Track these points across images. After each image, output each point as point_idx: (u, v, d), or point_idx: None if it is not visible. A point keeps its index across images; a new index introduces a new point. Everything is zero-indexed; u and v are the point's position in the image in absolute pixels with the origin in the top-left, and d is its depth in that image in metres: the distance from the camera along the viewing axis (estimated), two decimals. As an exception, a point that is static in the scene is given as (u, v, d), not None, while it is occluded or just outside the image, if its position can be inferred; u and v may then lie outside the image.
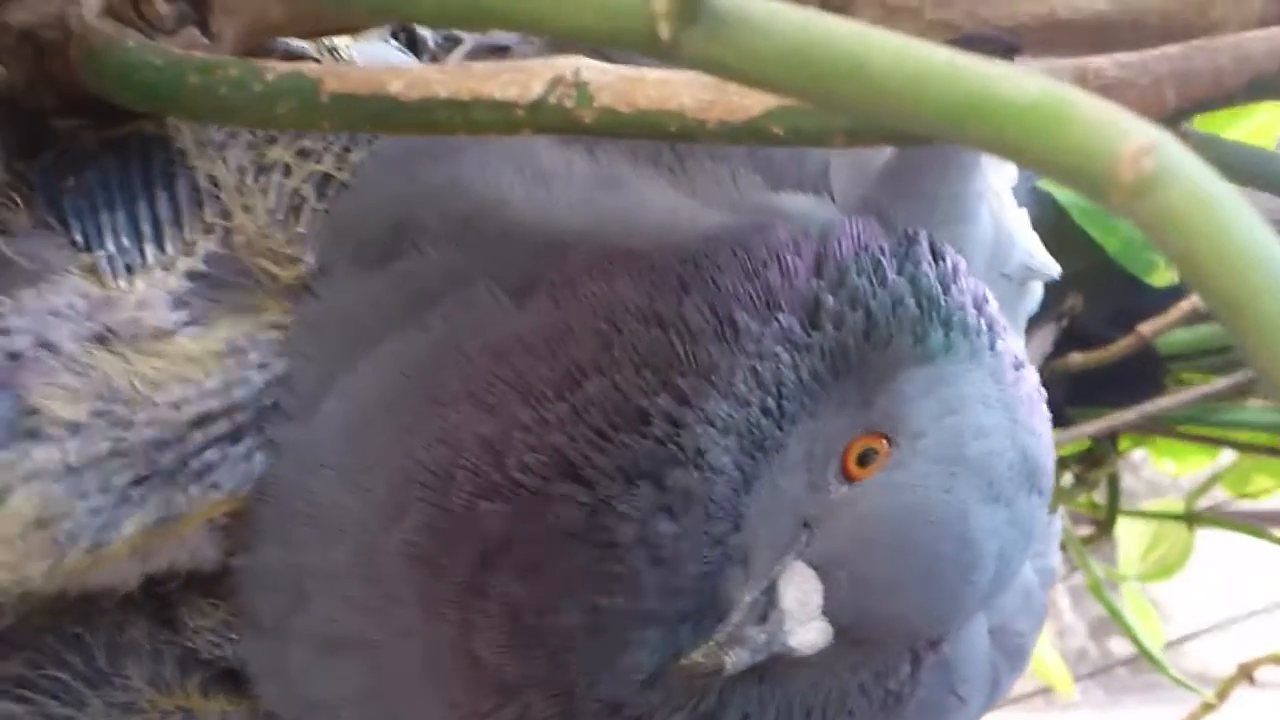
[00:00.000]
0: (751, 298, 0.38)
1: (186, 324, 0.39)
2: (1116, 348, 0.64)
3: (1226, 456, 0.74)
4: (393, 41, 0.47)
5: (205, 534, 0.40)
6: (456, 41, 0.47)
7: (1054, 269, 0.47)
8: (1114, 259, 0.63)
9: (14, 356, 0.38)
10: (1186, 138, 0.31)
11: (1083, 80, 0.31)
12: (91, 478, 0.38)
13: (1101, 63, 0.31)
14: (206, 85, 0.36)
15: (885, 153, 0.41)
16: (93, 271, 0.40)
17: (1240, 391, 0.65)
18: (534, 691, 0.37)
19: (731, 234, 0.39)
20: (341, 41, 0.44)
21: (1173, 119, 0.32)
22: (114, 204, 0.40)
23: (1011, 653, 0.44)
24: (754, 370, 0.37)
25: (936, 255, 0.39)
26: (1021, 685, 0.49)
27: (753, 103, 0.33)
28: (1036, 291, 0.47)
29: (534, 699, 0.37)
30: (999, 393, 0.39)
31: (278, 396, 0.40)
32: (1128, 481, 0.77)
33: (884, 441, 0.37)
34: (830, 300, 0.38)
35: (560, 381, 0.37)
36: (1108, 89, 0.31)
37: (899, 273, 0.39)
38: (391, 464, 0.38)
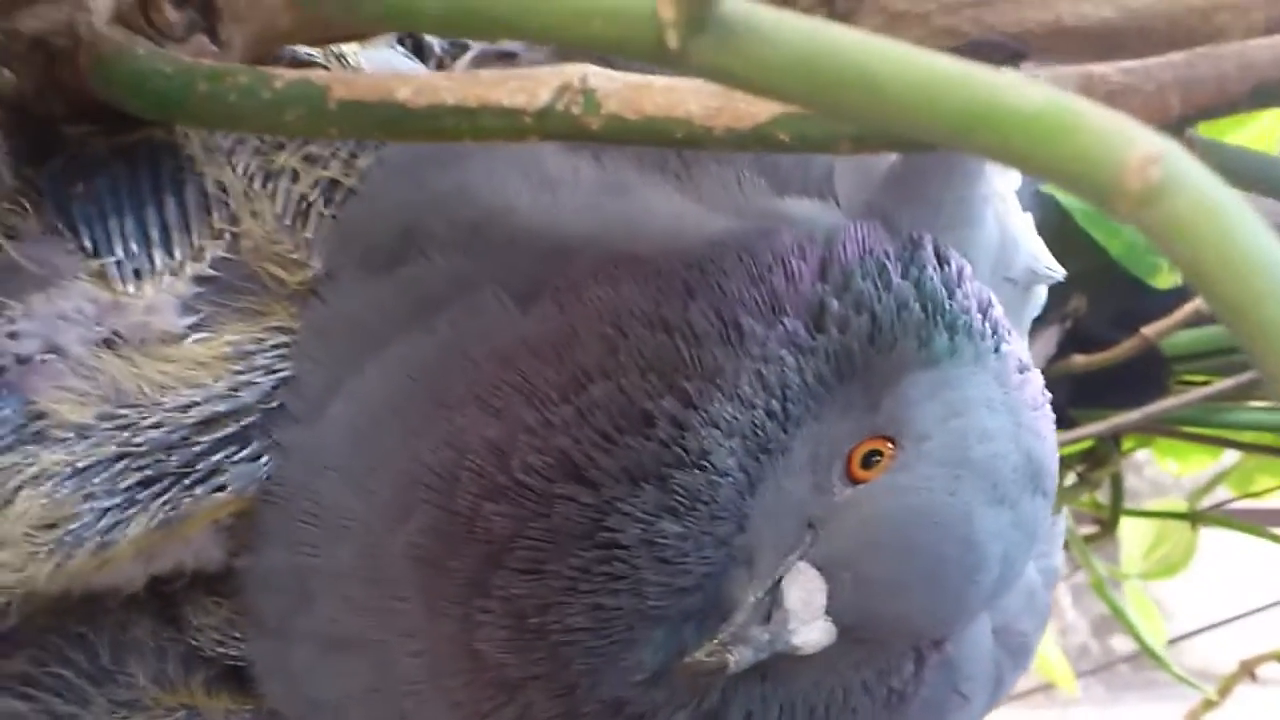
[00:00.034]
0: (757, 302, 0.38)
1: (194, 328, 0.40)
2: (1120, 350, 0.64)
3: (1229, 456, 0.75)
4: (399, 48, 0.47)
5: (210, 535, 0.40)
6: (463, 48, 0.47)
7: (1059, 272, 0.47)
8: (1117, 261, 0.63)
9: (23, 360, 0.39)
10: (1191, 144, 0.31)
11: (1088, 87, 0.32)
12: (99, 480, 0.38)
13: (1106, 70, 0.31)
14: (215, 92, 0.36)
15: (890, 157, 0.41)
16: (101, 277, 0.40)
17: (1243, 392, 0.65)
18: (536, 690, 0.37)
19: (737, 239, 0.39)
20: (349, 48, 0.44)
21: (1177, 126, 0.32)
22: (123, 210, 0.41)
23: (1015, 651, 0.44)
24: (759, 373, 0.37)
25: (941, 259, 0.40)
26: (1023, 682, 0.49)
27: (759, 109, 0.33)
28: (1041, 295, 0.47)
29: (536, 697, 0.37)
30: (1004, 396, 0.39)
31: (284, 400, 0.40)
32: (1130, 481, 0.77)
33: (889, 444, 0.38)
34: (835, 304, 0.38)
35: (565, 385, 0.37)
36: (1112, 96, 0.31)
37: (904, 277, 0.39)
38: (397, 466, 0.38)
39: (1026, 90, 0.23)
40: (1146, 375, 0.66)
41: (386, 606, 0.38)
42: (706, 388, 0.37)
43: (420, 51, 0.47)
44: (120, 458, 0.38)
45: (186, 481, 0.39)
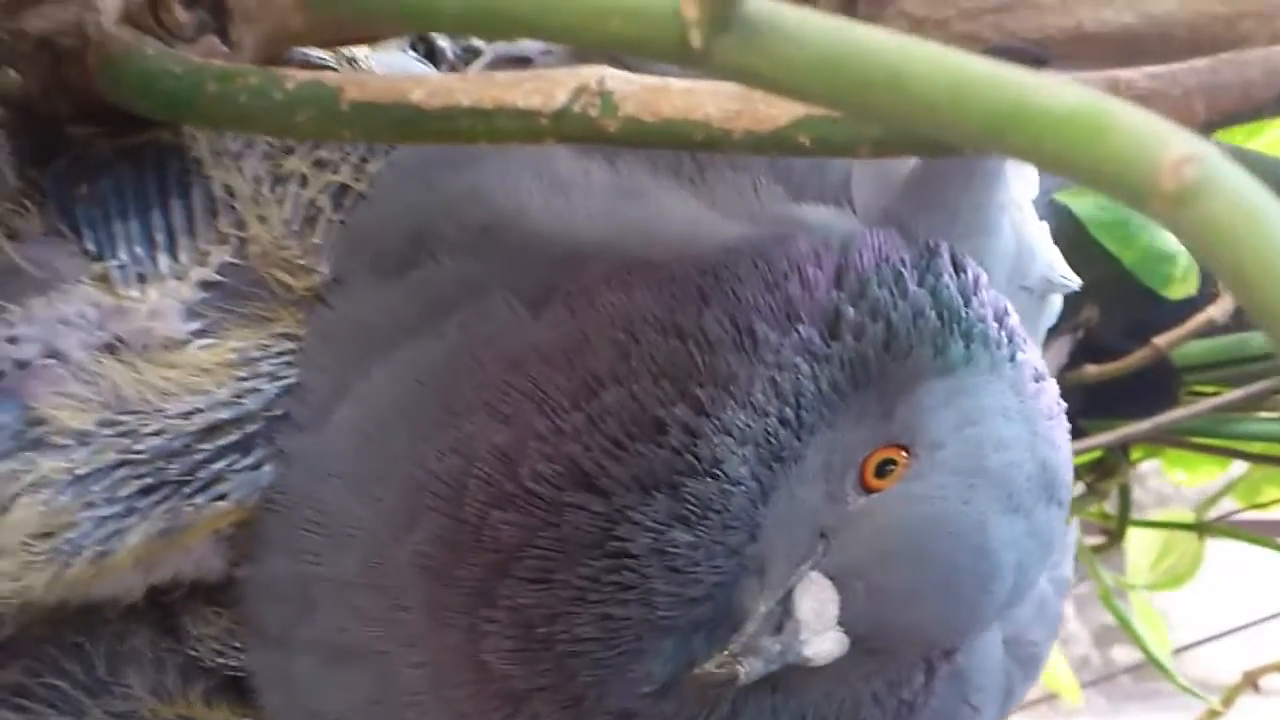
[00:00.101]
0: (771, 309, 0.38)
1: (199, 334, 0.39)
2: (1132, 360, 0.64)
3: (1237, 467, 0.74)
4: (411, 53, 0.46)
5: (210, 544, 0.40)
6: (476, 54, 0.47)
7: (1074, 282, 0.47)
8: (1130, 271, 0.63)
9: (22, 365, 0.38)
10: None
11: (1114, 92, 0.31)
12: (98, 488, 0.38)
13: (1132, 75, 0.31)
14: (226, 93, 0.36)
15: (907, 164, 0.41)
16: (104, 280, 0.39)
17: (1252, 403, 0.65)
18: (542, 701, 0.37)
19: (752, 245, 0.39)
20: (361, 52, 0.44)
21: (1201, 132, 0.32)
22: (127, 212, 0.40)
23: (1025, 662, 0.44)
24: (773, 381, 0.37)
25: (958, 267, 0.39)
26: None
27: (780, 112, 0.32)
28: (1056, 304, 0.47)
29: (542, 709, 0.37)
30: (1019, 405, 0.39)
31: (289, 407, 0.40)
32: (1133, 493, 0.77)
33: (903, 453, 0.37)
34: (850, 311, 0.38)
35: (576, 391, 0.37)
36: (1138, 101, 0.31)
37: (920, 284, 0.39)
38: (403, 473, 0.38)
39: (1058, 90, 0.23)
40: (1157, 385, 0.66)
41: (391, 616, 0.38)
42: (719, 395, 0.37)
43: (432, 56, 0.47)
44: (120, 465, 0.38)
45: (187, 490, 0.38)
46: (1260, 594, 0.95)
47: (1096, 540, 0.75)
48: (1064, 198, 0.62)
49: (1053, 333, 0.50)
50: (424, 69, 0.46)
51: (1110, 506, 0.74)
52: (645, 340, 0.37)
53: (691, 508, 0.36)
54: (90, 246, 0.40)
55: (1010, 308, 0.40)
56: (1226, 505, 0.78)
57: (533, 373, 0.37)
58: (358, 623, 0.39)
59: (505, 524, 0.36)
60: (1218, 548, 0.78)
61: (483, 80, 0.34)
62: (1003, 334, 0.39)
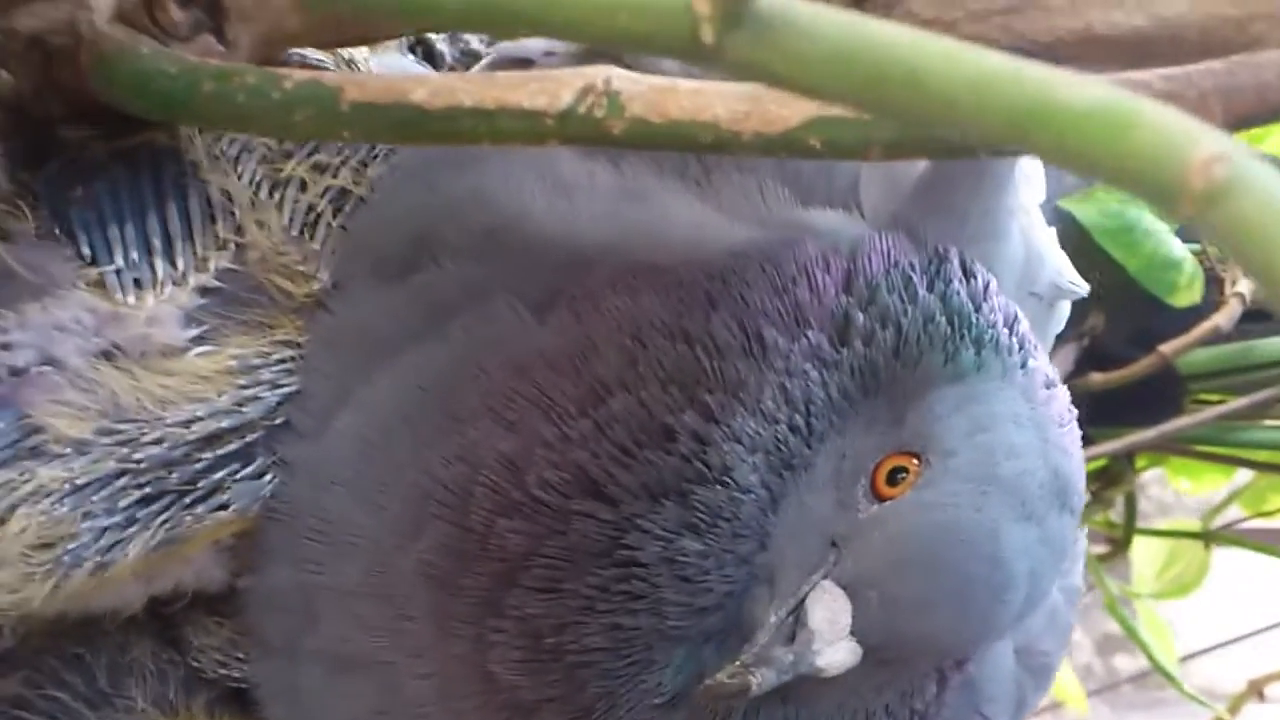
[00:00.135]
0: (780, 314, 0.37)
1: (197, 341, 0.39)
2: (1137, 367, 0.64)
3: (1242, 475, 0.74)
4: (410, 56, 0.46)
5: (212, 555, 0.40)
6: (475, 57, 0.46)
7: (1083, 288, 0.47)
8: (1135, 279, 0.63)
9: (17, 372, 0.38)
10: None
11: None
12: (97, 498, 0.37)
13: (1148, 77, 0.31)
14: (222, 93, 0.36)
15: (916, 168, 0.41)
16: (100, 286, 0.39)
17: (1257, 411, 0.65)
18: (551, 713, 0.37)
19: (760, 249, 0.38)
20: (359, 54, 0.43)
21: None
22: (123, 217, 0.40)
23: (1037, 671, 0.44)
24: (782, 387, 0.37)
25: (967, 273, 0.39)
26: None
27: (790, 113, 0.32)
28: (1064, 310, 0.47)
29: (550, 719, 0.37)
30: (1030, 411, 0.38)
31: (290, 415, 0.39)
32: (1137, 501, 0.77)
33: (914, 460, 0.37)
34: (860, 317, 0.38)
35: (583, 397, 0.37)
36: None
37: (929, 290, 0.38)
38: (407, 480, 0.38)
39: (1081, 86, 0.22)
40: (1162, 393, 0.66)
41: (396, 625, 0.38)
42: (729, 401, 0.36)
43: (431, 59, 0.47)
44: (120, 475, 0.38)
45: (188, 500, 0.38)
46: (1266, 602, 0.95)
47: (1102, 549, 0.75)
48: (1068, 204, 0.61)
49: (1058, 340, 0.49)
50: (425, 71, 0.46)
51: (1115, 515, 0.74)
52: (653, 346, 0.37)
53: (701, 516, 0.36)
54: (85, 251, 0.39)
55: (1020, 313, 0.40)
56: (1232, 513, 0.78)
57: (538, 379, 0.37)
58: (362, 633, 0.38)
59: (512, 532, 0.36)
60: (1223, 556, 0.78)
61: (486, 80, 0.34)
62: (1013, 340, 0.39)
